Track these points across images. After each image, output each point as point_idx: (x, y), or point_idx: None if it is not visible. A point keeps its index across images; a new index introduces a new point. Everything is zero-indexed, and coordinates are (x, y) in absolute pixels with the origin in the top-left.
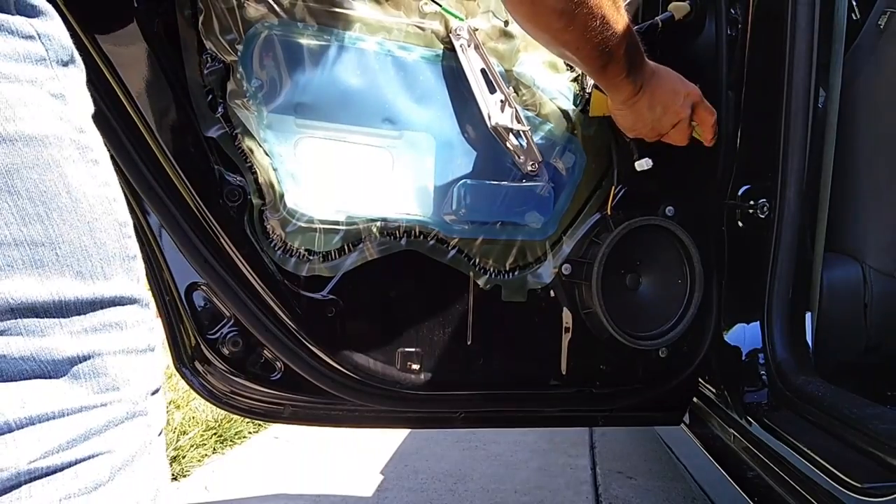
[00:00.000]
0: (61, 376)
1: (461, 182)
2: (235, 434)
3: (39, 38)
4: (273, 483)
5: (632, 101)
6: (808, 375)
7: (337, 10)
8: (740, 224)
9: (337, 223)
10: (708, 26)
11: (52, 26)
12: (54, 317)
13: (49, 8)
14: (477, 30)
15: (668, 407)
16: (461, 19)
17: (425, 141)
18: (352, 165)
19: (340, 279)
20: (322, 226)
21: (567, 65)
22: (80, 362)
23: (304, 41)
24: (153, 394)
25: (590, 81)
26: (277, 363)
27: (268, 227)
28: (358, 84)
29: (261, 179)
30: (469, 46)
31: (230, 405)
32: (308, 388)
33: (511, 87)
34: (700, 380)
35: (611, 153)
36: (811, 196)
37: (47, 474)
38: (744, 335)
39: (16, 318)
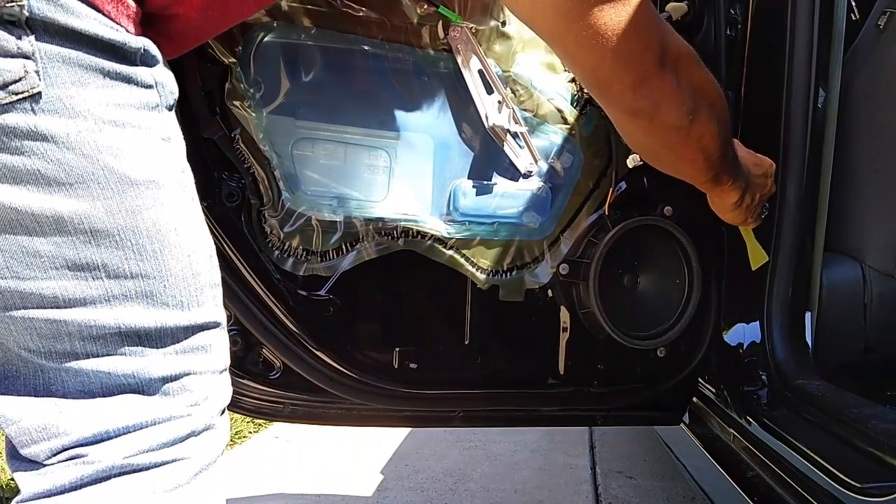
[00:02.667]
0: (155, 392)
1: (459, 182)
2: (235, 434)
3: (156, 86)
4: (273, 483)
5: (738, 203)
6: (807, 375)
7: (335, 11)
8: None
9: (335, 223)
10: (707, 26)
11: (164, 72)
12: (154, 340)
13: (159, 52)
14: (474, 31)
15: (667, 406)
16: (459, 20)
17: (423, 141)
18: (350, 166)
19: (338, 279)
20: (320, 226)
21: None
22: (172, 381)
23: (302, 43)
24: (222, 413)
25: None
26: (276, 362)
27: (266, 227)
28: (356, 85)
29: (259, 180)
30: (466, 47)
31: (232, 405)
32: (307, 386)
33: (508, 88)
34: (699, 379)
35: (608, 153)
36: (811, 196)
37: (136, 471)
38: (743, 335)
39: (122, 342)
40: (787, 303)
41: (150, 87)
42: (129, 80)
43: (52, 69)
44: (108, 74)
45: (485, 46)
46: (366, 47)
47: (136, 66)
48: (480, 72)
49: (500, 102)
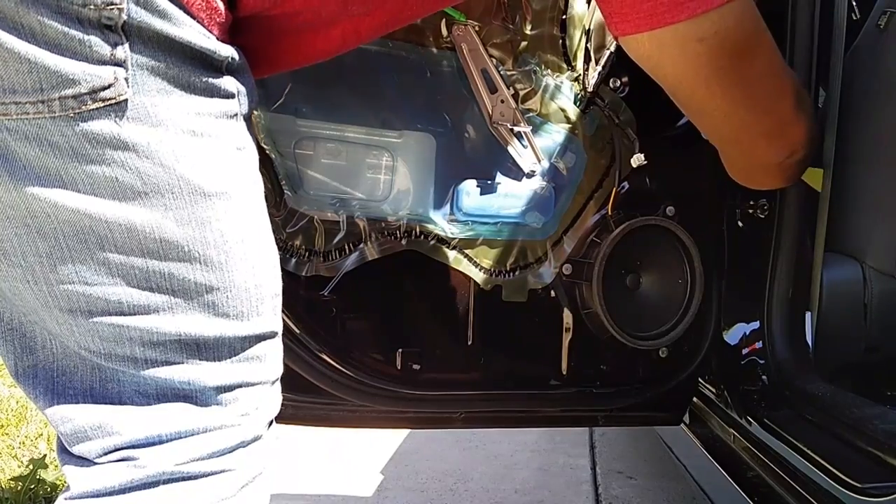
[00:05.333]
0: (209, 400)
1: (462, 182)
2: None
3: (238, 95)
4: (273, 483)
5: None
6: (807, 375)
7: None
8: (740, 224)
9: (337, 223)
10: None
11: (247, 81)
12: (212, 350)
13: (246, 62)
14: (478, 29)
15: (668, 407)
16: (462, 18)
17: (426, 141)
18: (352, 165)
19: (341, 279)
20: (323, 226)
21: (567, 64)
22: (226, 391)
23: None
24: (269, 424)
25: (591, 81)
26: None
27: None
28: (358, 84)
29: None
30: (470, 46)
31: None
32: (309, 388)
33: (512, 87)
34: (700, 380)
35: (611, 153)
36: (811, 196)
37: (185, 479)
38: (744, 335)
39: (181, 350)
40: (787, 303)
41: (231, 96)
42: (212, 89)
43: (141, 76)
44: (193, 83)
45: (488, 45)
46: (368, 45)
47: (223, 75)
48: (484, 70)
49: (503, 101)
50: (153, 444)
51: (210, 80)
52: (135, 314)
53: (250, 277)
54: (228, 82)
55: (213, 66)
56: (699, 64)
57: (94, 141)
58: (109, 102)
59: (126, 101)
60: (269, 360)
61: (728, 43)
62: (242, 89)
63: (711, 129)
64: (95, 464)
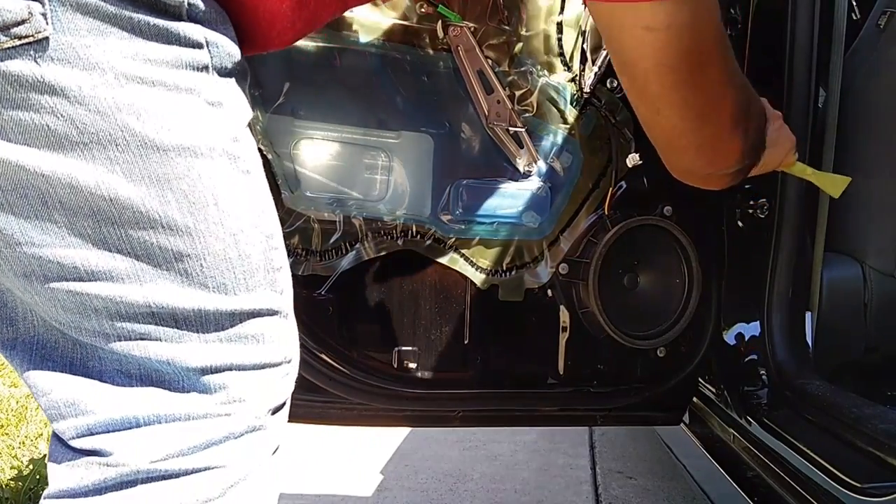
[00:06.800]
0: (192, 383)
1: (458, 182)
2: None
3: (207, 46)
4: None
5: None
6: (807, 375)
7: None
8: (740, 224)
9: (334, 223)
10: None
11: (220, 33)
12: (192, 324)
13: (223, 15)
14: (474, 30)
15: (667, 407)
16: (458, 20)
17: (422, 141)
18: (349, 165)
19: (338, 278)
20: (319, 225)
21: (564, 64)
22: (212, 373)
23: (301, 43)
24: (276, 410)
25: (587, 81)
26: None
27: None
28: (356, 85)
29: None
30: (466, 47)
31: None
32: (306, 386)
33: (508, 88)
34: (700, 380)
35: (608, 153)
36: (811, 196)
37: (164, 478)
38: (744, 335)
39: (156, 323)
40: (787, 303)
41: (198, 45)
42: (167, 34)
43: (64, 13)
44: (138, 25)
45: (484, 46)
46: (366, 47)
47: (181, 20)
48: (480, 71)
49: (499, 102)
50: (129, 427)
51: (162, 23)
52: (94, 280)
53: (231, 246)
54: (191, 29)
55: (167, 11)
56: (643, 54)
57: (14, 83)
58: (27, 40)
59: (46, 39)
60: (269, 340)
61: (676, 42)
62: (215, 40)
63: (644, 121)
64: (72, 450)
